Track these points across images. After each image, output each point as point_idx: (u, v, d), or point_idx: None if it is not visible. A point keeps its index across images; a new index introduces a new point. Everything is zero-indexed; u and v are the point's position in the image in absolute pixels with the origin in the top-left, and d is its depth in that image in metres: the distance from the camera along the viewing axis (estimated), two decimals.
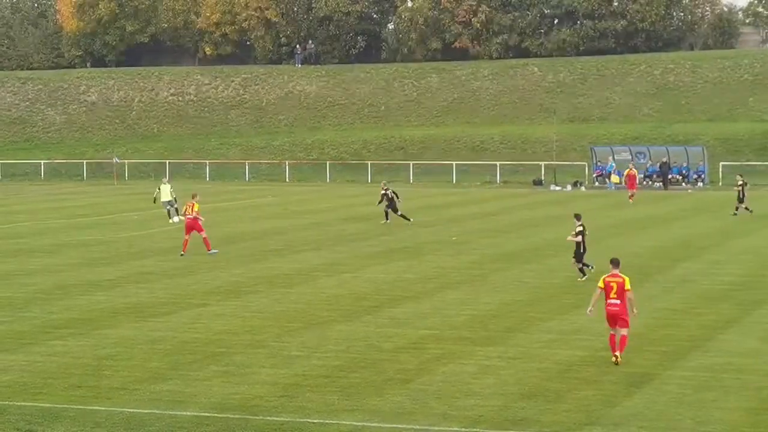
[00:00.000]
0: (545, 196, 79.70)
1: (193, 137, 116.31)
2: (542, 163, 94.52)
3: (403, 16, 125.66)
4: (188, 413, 21.68)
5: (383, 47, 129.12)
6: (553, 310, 32.77)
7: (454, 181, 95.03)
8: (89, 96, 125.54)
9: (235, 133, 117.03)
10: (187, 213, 46.54)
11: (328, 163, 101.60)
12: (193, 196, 47.34)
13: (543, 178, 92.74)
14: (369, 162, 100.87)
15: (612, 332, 25.95)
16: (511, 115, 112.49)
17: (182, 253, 45.65)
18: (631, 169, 77.76)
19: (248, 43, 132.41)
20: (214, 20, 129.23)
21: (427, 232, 54.80)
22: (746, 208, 61.05)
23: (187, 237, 46.12)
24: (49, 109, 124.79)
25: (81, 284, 38.29)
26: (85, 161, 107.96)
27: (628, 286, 25.81)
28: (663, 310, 32.75)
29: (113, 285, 38.16)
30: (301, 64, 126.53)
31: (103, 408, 22.09)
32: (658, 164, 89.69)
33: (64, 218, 63.01)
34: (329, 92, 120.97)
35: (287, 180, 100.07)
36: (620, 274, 25.99)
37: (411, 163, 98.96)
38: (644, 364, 25.64)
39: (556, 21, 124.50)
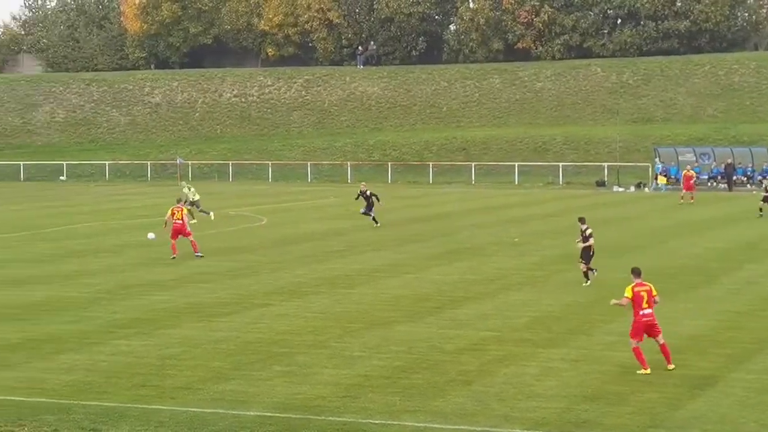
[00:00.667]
0: (608, 197, 79.28)
1: (255, 138, 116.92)
2: (605, 164, 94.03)
3: (464, 17, 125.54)
4: (251, 413, 21.77)
5: (444, 48, 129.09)
6: (614, 311, 32.39)
7: (516, 182, 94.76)
8: (153, 97, 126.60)
9: (298, 134, 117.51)
10: (175, 218, 45.95)
11: (389, 164, 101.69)
12: (179, 201, 47.26)
13: (606, 179, 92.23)
14: (430, 163, 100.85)
15: (636, 344, 24.75)
16: (574, 116, 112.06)
17: (174, 256, 45.25)
18: (687, 170, 77.19)
19: (310, 44, 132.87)
20: (277, 22, 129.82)
21: (488, 233, 54.69)
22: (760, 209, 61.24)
23: (174, 241, 45.67)
24: (114, 110, 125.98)
25: (144, 284, 38.58)
26: (149, 162, 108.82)
27: (655, 292, 25.18)
28: (727, 312, 32.45)
29: (176, 285, 38.42)
30: (363, 65, 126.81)
31: (166, 407, 22.22)
32: (723, 165, 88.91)
33: (128, 219, 63.52)
34: (391, 93, 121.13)
35: (349, 181, 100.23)
36: (644, 282, 25.31)
37: (473, 164, 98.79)
38: (708, 367, 25.42)
39: (618, 21, 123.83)
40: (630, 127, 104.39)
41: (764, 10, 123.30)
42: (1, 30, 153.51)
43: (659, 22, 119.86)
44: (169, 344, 28.20)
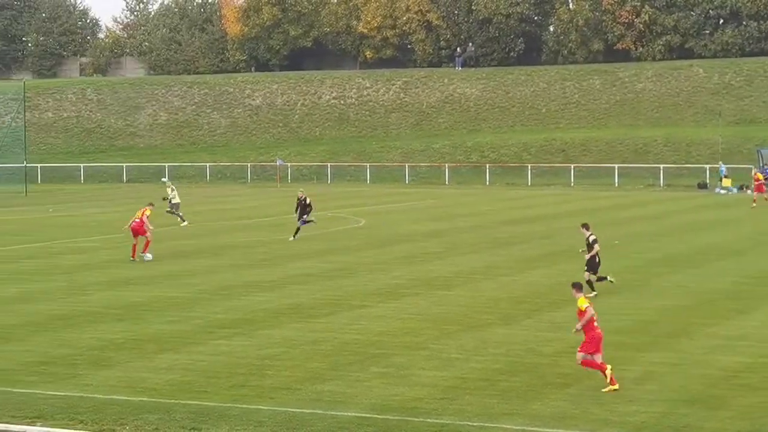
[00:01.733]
0: (710, 199, 78.35)
1: (353, 140, 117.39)
2: (707, 166, 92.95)
3: (563, 18, 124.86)
4: (349, 414, 21.85)
5: (543, 49, 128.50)
6: (717, 315, 32.16)
7: (616, 184, 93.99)
8: (253, 100, 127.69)
9: (395, 136, 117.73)
10: (135, 217, 46.55)
11: (487, 165, 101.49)
12: (150, 205, 47.54)
13: (708, 181, 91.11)
14: (529, 165, 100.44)
15: (591, 358, 23.73)
16: (675, 117, 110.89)
17: (132, 258, 45.81)
18: (755, 174, 76.86)
19: (408, 46, 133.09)
20: (375, 24, 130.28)
21: None
22: None
23: (135, 242, 46.20)
24: (215, 112, 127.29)
25: (243, 285, 38.91)
26: (249, 164, 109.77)
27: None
28: None
29: (275, 286, 38.70)
30: (461, 66, 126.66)
31: (265, 407, 22.38)
32: None
33: (228, 220, 64.09)
34: (489, 95, 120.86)
35: (447, 183, 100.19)
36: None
37: (572, 165, 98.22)
38: None
39: (720, 21, 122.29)
40: (732, 128, 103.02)
41: None
42: (105, 33, 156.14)
43: (762, 22, 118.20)
44: (268, 344, 28.41)
